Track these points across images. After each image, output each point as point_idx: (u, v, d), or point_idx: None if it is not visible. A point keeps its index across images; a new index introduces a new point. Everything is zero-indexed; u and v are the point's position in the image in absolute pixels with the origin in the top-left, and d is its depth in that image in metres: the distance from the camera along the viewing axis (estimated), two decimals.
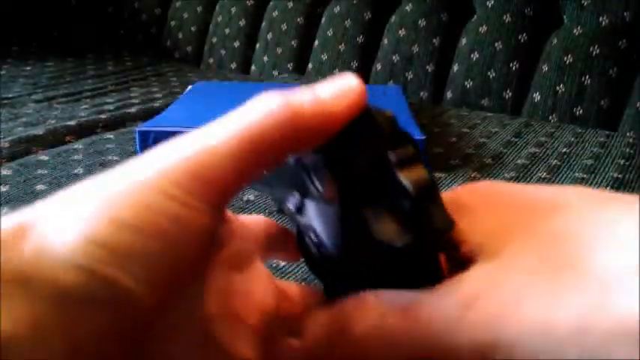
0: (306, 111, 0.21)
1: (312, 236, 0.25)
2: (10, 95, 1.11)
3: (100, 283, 0.17)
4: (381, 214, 0.21)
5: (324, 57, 1.29)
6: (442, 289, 0.20)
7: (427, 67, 1.18)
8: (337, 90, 0.23)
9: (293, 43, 1.34)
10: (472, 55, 1.13)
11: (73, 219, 0.18)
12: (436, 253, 0.22)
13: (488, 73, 1.12)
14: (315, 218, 0.25)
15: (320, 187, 0.23)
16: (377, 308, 0.20)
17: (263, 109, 0.21)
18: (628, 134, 0.96)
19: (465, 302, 0.19)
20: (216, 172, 0.19)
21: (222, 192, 0.20)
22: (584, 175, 0.75)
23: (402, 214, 0.21)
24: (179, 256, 0.18)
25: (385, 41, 1.24)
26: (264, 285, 0.26)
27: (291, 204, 0.26)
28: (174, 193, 0.18)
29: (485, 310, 0.18)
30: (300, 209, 0.25)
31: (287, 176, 0.25)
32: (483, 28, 1.13)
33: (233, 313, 0.23)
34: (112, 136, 0.87)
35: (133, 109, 1.03)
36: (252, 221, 0.26)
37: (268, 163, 0.21)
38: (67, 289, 0.16)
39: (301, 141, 0.21)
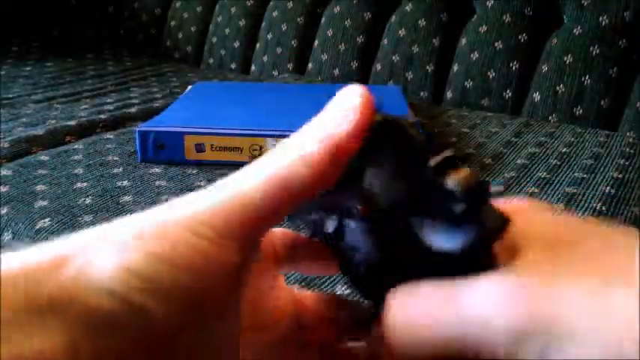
0: (321, 153, 0.22)
1: (357, 255, 0.25)
2: (10, 95, 1.11)
3: (132, 310, 0.18)
4: (431, 221, 0.21)
5: (324, 57, 1.29)
6: (488, 276, 0.20)
7: (427, 67, 1.18)
8: (345, 111, 0.23)
9: (293, 43, 1.34)
10: (472, 55, 1.13)
11: (111, 251, 0.19)
12: (491, 252, 0.21)
13: (488, 73, 1.12)
14: (358, 237, 0.24)
15: (360, 205, 0.23)
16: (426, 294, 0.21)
17: (289, 154, 0.22)
18: (628, 134, 0.96)
19: (510, 289, 0.19)
20: (247, 215, 0.21)
21: (253, 233, 0.21)
22: (584, 175, 0.75)
23: (453, 218, 0.20)
24: (208, 288, 0.20)
25: (385, 41, 1.24)
26: (286, 295, 0.27)
27: (329, 227, 0.25)
28: (205, 233, 0.20)
29: (528, 296, 0.19)
30: (339, 231, 0.25)
31: (321, 202, 0.25)
32: (483, 28, 1.13)
33: (262, 325, 0.24)
34: (112, 136, 0.87)
35: (133, 109, 1.03)
36: (271, 233, 0.27)
37: (298, 202, 0.22)
38: (101, 315, 0.18)
39: (329, 177, 0.22)
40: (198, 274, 0.19)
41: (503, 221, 0.21)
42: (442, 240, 0.20)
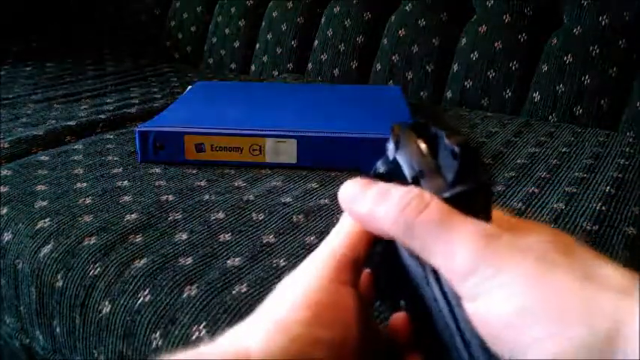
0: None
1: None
2: (10, 96, 1.11)
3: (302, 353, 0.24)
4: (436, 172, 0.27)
5: (324, 57, 1.29)
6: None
7: (427, 67, 1.18)
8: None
9: (293, 43, 1.34)
10: (472, 55, 1.13)
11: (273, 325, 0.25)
12: (481, 205, 0.26)
13: (488, 73, 1.12)
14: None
15: None
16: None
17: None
18: (628, 134, 0.96)
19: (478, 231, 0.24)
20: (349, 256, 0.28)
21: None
22: (584, 175, 0.75)
23: (453, 170, 0.26)
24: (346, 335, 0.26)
25: (385, 41, 1.24)
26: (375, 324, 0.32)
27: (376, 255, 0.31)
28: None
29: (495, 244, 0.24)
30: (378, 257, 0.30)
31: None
32: (483, 28, 1.13)
33: (374, 348, 0.29)
34: (111, 136, 0.87)
35: (132, 109, 1.03)
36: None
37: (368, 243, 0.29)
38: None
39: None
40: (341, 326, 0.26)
41: (489, 183, 0.26)
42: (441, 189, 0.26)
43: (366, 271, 0.31)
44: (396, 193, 0.26)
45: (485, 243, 0.23)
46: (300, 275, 0.27)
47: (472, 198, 0.25)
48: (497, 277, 0.22)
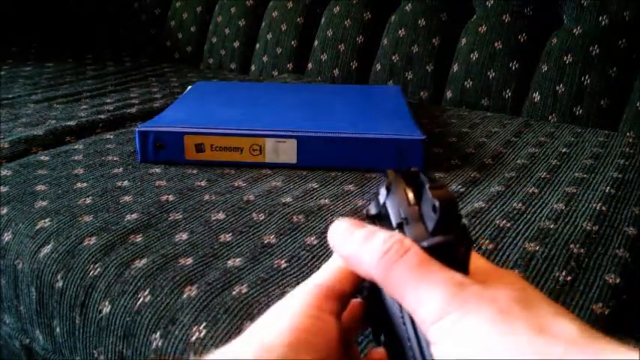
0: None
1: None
2: (10, 95, 1.11)
3: None
4: (417, 224, 0.29)
5: (324, 57, 1.29)
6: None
7: (427, 67, 1.18)
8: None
9: (293, 43, 1.34)
10: (472, 55, 1.13)
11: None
12: (459, 259, 0.27)
13: (488, 73, 1.12)
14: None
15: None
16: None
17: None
18: (628, 134, 0.96)
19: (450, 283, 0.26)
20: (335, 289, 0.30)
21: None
22: (584, 175, 0.75)
23: (432, 224, 0.28)
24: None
25: (385, 41, 1.24)
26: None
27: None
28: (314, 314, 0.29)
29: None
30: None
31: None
32: (483, 28, 1.13)
33: None
34: (111, 136, 0.87)
35: (132, 109, 1.03)
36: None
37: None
38: None
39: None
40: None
41: (466, 237, 0.27)
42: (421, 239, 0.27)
43: (358, 300, 0.34)
44: (380, 238, 0.28)
45: (454, 292, 0.25)
46: (288, 302, 0.29)
47: (450, 247, 0.27)
48: (461, 323, 0.24)
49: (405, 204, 0.29)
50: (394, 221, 0.30)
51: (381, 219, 0.31)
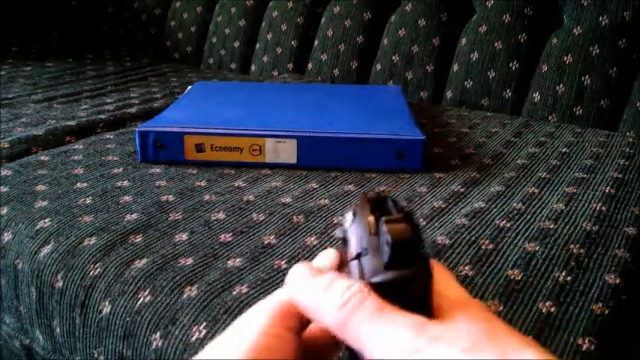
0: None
1: None
2: (10, 95, 1.11)
3: None
4: (373, 260, 0.28)
5: (324, 57, 1.29)
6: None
7: (427, 67, 1.18)
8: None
9: (293, 43, 1.34)
10: (472, 55, 1.13)
11: None
12: (418, 294, 0.27)
13: (488, 73, 1.12)
14: None
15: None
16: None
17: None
18: (628, 134, 0.96)
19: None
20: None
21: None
22: (584, 175, 0.75)
23: (385, 261, 0.28)
24: None
25: (385, 41, 1.24)
26: None
27: None
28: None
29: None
30: None
31: None
32: (483, 28, 1.13)
33: None
34: (111, 136, 0.87)
35: (132, 109, 1.03)
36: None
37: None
38: None
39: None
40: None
41: (423, 272, 0.27)
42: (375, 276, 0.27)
43: None
44: (338, 288, 0.28)
45: (413, 336, 0.25)
46: (247, 320, 0.30)
47: (406, 283, 0.27)
48: None
49: (367, 233, 0.29)
50: (354, 250, 0.30)
51: (345, 244, 0.31)
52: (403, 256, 0.27)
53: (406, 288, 0.27)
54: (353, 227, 0.31)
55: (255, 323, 0.29)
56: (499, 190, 0.70)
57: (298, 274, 0.30)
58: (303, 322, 0.30)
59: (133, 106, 1.06)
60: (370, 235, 0.29)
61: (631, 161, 0.80)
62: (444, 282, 0.29)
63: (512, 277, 0.51)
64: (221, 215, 0.62)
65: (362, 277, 0.29)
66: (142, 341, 0.49)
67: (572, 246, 0.57)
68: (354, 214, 0.31)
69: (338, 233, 0.32)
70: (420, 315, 0.26)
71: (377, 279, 0.27)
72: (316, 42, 1.32)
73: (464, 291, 0.29)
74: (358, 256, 0.29)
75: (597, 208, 0.65)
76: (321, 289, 0.28)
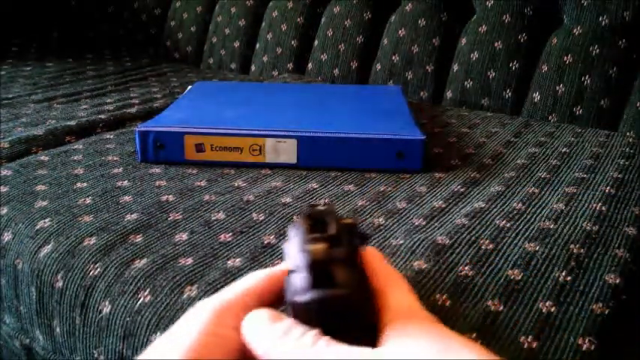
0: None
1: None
2: (10, 95, 1.11)
3: None
4: (297, 280, 0.30)
5: (324, 57, 1.29)
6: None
7: (427, 67, 1.18)
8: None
9: (293, 43, 1.34)
10: (472, 55, 1.13)
11: None
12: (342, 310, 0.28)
13: (488, 73, 1.12)
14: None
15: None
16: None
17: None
18: (628, 134, 0.96)
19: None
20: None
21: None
22: (584, 175, 0.75)
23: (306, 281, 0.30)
24: None
25: (385, 41, 1.24)
26: None
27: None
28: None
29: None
30: None
31: None
32: (483, 28, 1.13)
33: None
34: (111, 136, 0.87)
35: (132, 109, 1.03)
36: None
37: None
38: None
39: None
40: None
41: (352, 290, 0.27)
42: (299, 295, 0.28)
43: None
44: (293, 336, 0.28)
45: None
46: (190, 318, 0.30)
47: (335, 300, 0.27)
48: None
49: (297, 251, 0.29)
50: (290, 267, 0.30)
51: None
52: (326, 276, 0.27)
53: (336, 306, 0.27)
54: (289, 244, 0.31)
55: (195, 323, 0.29)
56: (499, 190, 0.70)
57: (256, 318, 0.30)
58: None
59: (133, 106, 1.06)
60: (300, 253, 0.29)
61: (631, 161, 0.80)
62: (389, 284, 0.29)
63: (512, 277, 0.51)
64: (221, 215, 0.62)
65: (292, 294, 0.29)
66: (142, 341, 0.49)
67: (572, 246, 0.57)
68: (294, 230, 0.31)
69: (284, 248, 0.32)
70: (362, 332, 0.27)
71: (299, 298, 0.27)
72: (316, 42, 1.32)
73: (406, 291, 0.30)
74: (290, 274, 0.29)
75: (597, 208, 0.65)
76: (277, 337, 0.28)
